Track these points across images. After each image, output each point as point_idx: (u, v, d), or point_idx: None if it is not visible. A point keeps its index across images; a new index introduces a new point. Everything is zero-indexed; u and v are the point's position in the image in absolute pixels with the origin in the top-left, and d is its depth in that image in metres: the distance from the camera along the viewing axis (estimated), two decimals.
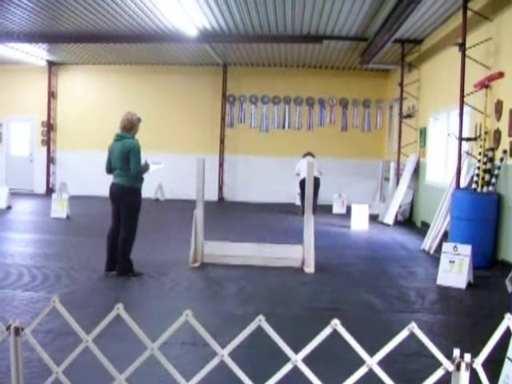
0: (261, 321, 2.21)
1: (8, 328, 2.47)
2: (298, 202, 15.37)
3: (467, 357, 2.05)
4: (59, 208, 12.20)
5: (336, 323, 2.18)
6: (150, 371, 3.07)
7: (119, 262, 6.86)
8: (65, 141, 18.15)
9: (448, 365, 2.08)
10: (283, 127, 18.06)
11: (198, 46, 14.54)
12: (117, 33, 13.24)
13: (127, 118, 7.01)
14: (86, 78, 18.25)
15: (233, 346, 2.25)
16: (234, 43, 14.17)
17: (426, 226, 11.13)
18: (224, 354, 2.24)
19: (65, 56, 16.74)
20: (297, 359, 2.19)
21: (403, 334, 2.15)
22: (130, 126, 6.99)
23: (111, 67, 17.82)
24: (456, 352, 2.08)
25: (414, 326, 2.12)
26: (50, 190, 17.61)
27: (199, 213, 7.90)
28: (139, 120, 7.12)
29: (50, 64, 17.74)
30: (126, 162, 6.82)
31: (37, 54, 16.41)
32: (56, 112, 18.26)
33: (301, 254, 7.86)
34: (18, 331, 2.48)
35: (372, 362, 2.13)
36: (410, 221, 13.50)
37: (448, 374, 2.14)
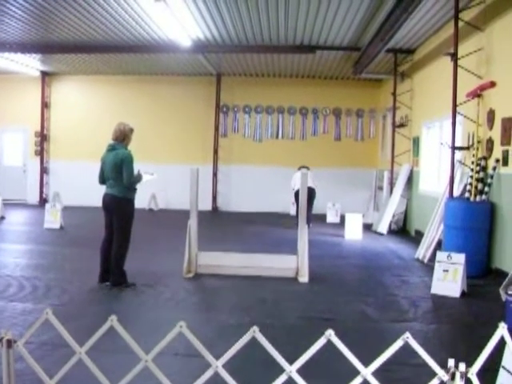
0: (255, 332, 2.20)
1: (0, 340, 2.45)
2: (293, 212, 15.38)
3: (462, 366, 2.05)
4: (52, 218, 12.15)
5: (330, 333, 2.17)
6: (143, 383, 3.05)
7: (113, 272, 6.82)
8: (58, 151, 18.11)
9: (443, 374, 2.07)
10: (277, 137, 18.10)
11: (191, 57, 14.58)
12: (110, 43, 13.25)
13: (119, 128, 7.00)
14: (79, 88, 18.24)
15: (227, 358, 2.24)
16: (228, 53, 14.20)
17: (419, 235, 11.15)
18: (218, 365, 2.23)
19: (58, 66, 16.74)
20: (291, 370, 2.18)
21: (398, 344, 2.15)
22: (122, 137, 6.98)
23: (105, 77, 17.81)
24: (451, 362, 2.08)
25: (408, 336, 2.12)
26: (43, 201, 17.54)
27: (193, 223, 7.88)
28: (132, 130, 7.10)
29: (44, 74, 17.73)
30: (118, 172, 6.81)
31: (30, 65, 16.40)
32: (49, 122, 18.23)
33: (295, 264, 7.84)
34: (10, 344, 2.47)
35: (367, 372, 2.13)
36: (403, 230, 13.52)
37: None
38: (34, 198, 18.12)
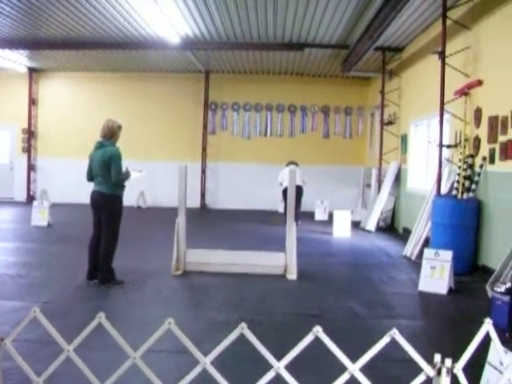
0: (243, 328, 2.21)
1: None
2: (281, 210, 15.40)
3: (448, 362, 2.07)
4: (40, 216, 12.08)
5: (318, 330, 2.18)
6: (132, 381, 3.04)
7: (101, 270, 6.80)
8: (46, 148, 18.00)
9: (429, 370, 2.09)
10: (265, 134, 18.12)
11: (180, 54, 14.54)
12: (99, 40, 13.18)
13: (108, 125, 6.97)
14: (67, 85, 18.14)
15: (215, 354, 2.25)
16: (217, 50, 14.18)
17: (407, 233, 11.21)
18: (206, 361, 2.24)
19: (46, 63, 16.63)
20: (279, 366, 2.19)
21: (385, 340, 2.17)
22: (110, 134, 6.96)
23: (93, 74, 17.72)
24: (437, 357, 2.10)
25: (395, 332, 2.13)
26: (30, 198, 17.41)
27: (181, 220, 7.87)
28: (120, 127, 7.08)
29: (31, 71, 17.61)
30: (106, 169, 6.78)
31: (18, 61, 16.27)
32: (37, 119, 18.12)
33: (283, 261, 7.86)
34: None
35: (354, 368, 2.14)
36: (391, 227, 13.58)
37: (429, 380, 2.15)
38: (21, 196, 17.98)
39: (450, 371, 2.07)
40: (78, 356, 2.40)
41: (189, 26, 11.85)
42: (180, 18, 11.13)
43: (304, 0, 9.78)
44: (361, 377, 2.15)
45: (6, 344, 2.44)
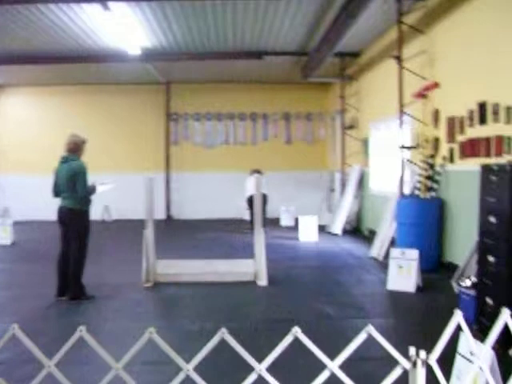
0: (224, 333, 2.25)
1: None
2: (247, 217, 15.45)
3: (422, 354, 2.15)
4: (3, 234, 11.84)
5: (297, 331, 2.24)
6: None
7: (71, 286, 6.73)
8: (6, 165, 17.62)
9: (405, 363, 2.17)
10: (228, 143, 18.17)
11: (139, 65, 14.48)
12: (57, 53, 13.04)
13: (72, 140, 6.93)
14: (26, 100, 17.83)
15: (197, 361, 2.28)
16: (176, 61, 14.18)
17: (372, 234, 11.40)
18: (189, 368, 2.27)
19: (3, 78, 16.36)
20: (261, 368, 2.24)
21: (362, 337, 2.23)
22: (75, 148, 6.91)
23: (52, 88, 17.46)
24: (412, 350, 2.17)
25: (371, 329, 2.20)
26: None
27: (149, 232, 7.85)
28: (84, 142, 7.04)
29: None
30: (72, 184, 6.73)
31: None
32: None
33: (253, 268, 7.92)
34: None
35: (333, 366, 2.20)
36: (357, 229, 13.78)
37: (404, 375, 2.23)
38: None
39: (425, 363, 2.15)
40: (56, 374, 2.39)
41: (148, 38, 11.85)
42: (139, 30, 11.12)
43: (262, 8, 9.90)
44: (340, 374, 2.22)
45: None
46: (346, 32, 9.87)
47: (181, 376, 2.30)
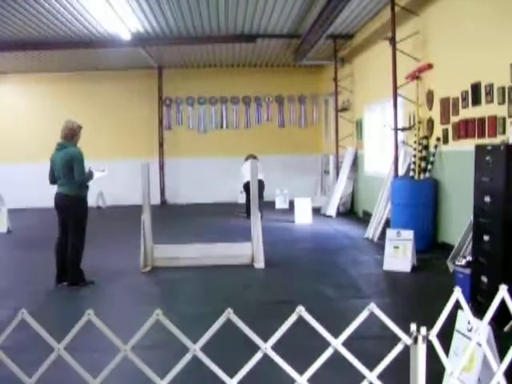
0: (230, 313, 2.30)
1: None
2: (241, 201, 15.51)
3: (423, 330, 2.21)
4: None
5: (301, 309, 2.29)
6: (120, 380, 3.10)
7: (70, 272, 6.77)
8: None
9: (406, 339, 2.23)
10: (221, 127, 18.17)
11: (131, 50, 14.36)
12: (48, 40, 12.93)
13: (68, 126, 6.92)
14: (17, 88, 17.69)
15: (204, 341, 2.33)
16: (168, 46, 14.12)
17: (367, 215, 11.49)
18: (196, 348, 2.32)
19: None
20: (266, 347, 2.29)
21: (364, 315, 2.29)
22: (71, 135, 6.91)
23: (43, 75, 17.31)
24: (413, 327, 2.24)
25: (373, 306, 2.26)
26: None
27: (146, 217, 7.89)
28: (80, 127, 7.03)
29: None
30: (69, 170, 6.74)
31: None
32: None
33: (250, 251, 7.98)
34: None
35: (337, 343, 2.26)
36: (351, 211, 13.87)
37: (406, 350, 2.29)
38: None
39: (426, 338, 2.22)
40: (65, 357, 2.43)
41: (140, 22, 11.78)
42: (130, 14, 11.05)
43: None
44: (344, 351, 2.28)
45: None
46: (338, 14, 9.85)
47: (188, 356, 2.35)
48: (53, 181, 6.98)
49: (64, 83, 17.50)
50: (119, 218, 14.36)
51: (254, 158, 13.26)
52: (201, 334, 2.34)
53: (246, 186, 12.22)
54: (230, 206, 16.00)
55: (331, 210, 13.48)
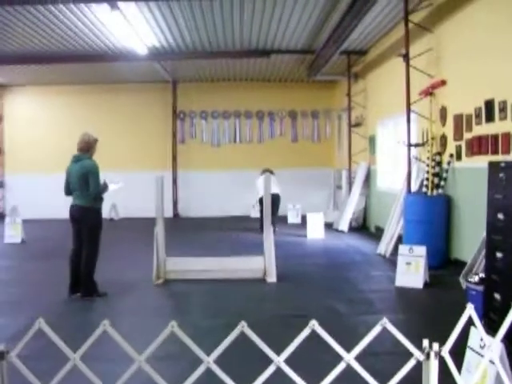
0: (244, 327, 2.33)
1: None
2: (253, 215, 15.55)
3: (435, 346, 2.23)
4: (13, 232, 11.93)
5: (314, 324, 2.32)
6: None
7: (83, 283, 6.82)
8: (14, 164, 17.76)
9: (419, 354, 2.25)
10: (234, 141, 18.25)
11: (147, 64, 14.55)
12: (64, 53, 13.14)
13: (84, 139, 7.02)
14: (33, 100, 17.96)
15: (218, 353, 2.35)
16: (184, 60, 14.28)
17: (379, 231, 11.46)
18: (210, 360, 2.34)
19: (11, 78, 16.49)
20: (279, 360, 2.32)
21: (376, 330, 2.31)
22: (87, 147, 7.00)
23: (60, 88, 17.57)
24: (425, 342, 2.25)
25: (386, 322, 2.28)
26: None
27: (160, 230, 7.94)
28: (96, 141, 7.13)
29: None
30: (84, 183, 6.82)
31: None
32: (3, 135, 17.90)
33: (262, 265, 7.98)
34: (3, 355, 2.51)
35: (349, 358, 2.28)
36: (363, 226, 13.85)
37: (418, 366, 2.30)
38: None
39: (438, 355, 2.23)
40: (80, 366, 2.46)
41: (156, 37, 11.94)
42: (147, 30, 11.21)
43: (270, 7, 9.96)
44: (356, 365, 2.29)
45: (12, 357, 2.49)
46: (352, 30, 9.93)
47: (201, 368, 2.38)
48: (68, 192, 7.06)
49: (80, 96, 17.72)
50: (132, 230, 14.43)
51: (270, 172, 13.28)
52: (213, 347, 2.37)
53: (261, 200, 12.25)
54: (243, 219, 16.03)
55: (343, 225, 13.47)
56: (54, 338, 2.51)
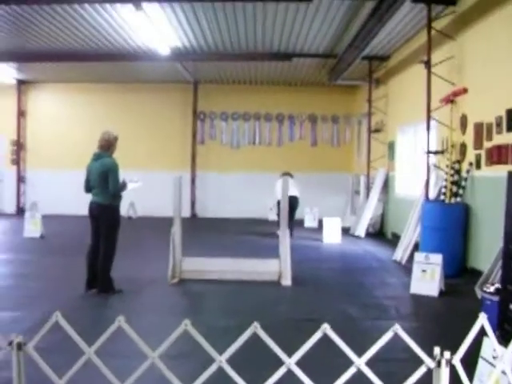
0: (257, 328, 2.35)
1: (10, 343, 2.54)
2: (271, 218, 15.58)
3: (447, 354, 2.23)
4: (33, 227, 12.10)
5: (326, 327, 2.34)
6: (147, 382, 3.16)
7: (100, 279, 6.90)
8: (35, 160, 18.00)
9: (429, 362, 2.25)
10: (254, 143, 18.28)
11: (168, 65, 14.65)
12: (88, 51, 13.29)
13: (104, 137, 7.10)
14: (56, 97, 18.18)
15: (231, 352, 2.38)
16: (205, 61, 14.36)
17: (396, 238, 11.41)
18: (222, 360, 2.37)
19: (35, 75, 16.72)
20: (290, 362, 2.34)
21: (388, 335, 2.32)
22: (107, 145, 7.09)
23: (82, 85, 17.75)
24: (436, 350, 2.26)
25: (397, 328, 2.29)
26: (20, 210, 17.44)
27: (177, 230, 8.00)
28: (116, 139, 7.21)
29: (20, 82, 17.66)
30: (104, 180, 6.91)
31: (6, 73, 16.32)
32: (26, 131, 18.14)
33: (277, 268, 8.00)
34: (20, 346, 2.56)
35: (360, 363, 2.30)
36: (380, 232, 13.79)
37: (429, 373, 2.31)
38: (10, 208, 17.96)
39: (449, 363, 2.23)
40: (95, 361, 2.51)
41: (178, 38, 12.02)
42: (170, 30, 11.30)
43: (292, 11, 9.99)
44: (367, 370, 2.31)
45: (29, 348, 2.54)
46: (375, 36, 9.92)
47: (213, 367, 2.41)
48: (88, 189, 7.16)
49: (102, 94, 17.90)
50: (149, 228, 14.52)
51: (289, 175, 13.27)
52: (226, 346, 2.40)
53: (279, 203, 12.26)
54: (260, 222, 16.06)
55: (360, 231, 13.43)
56: (70, 331, 2.56)
